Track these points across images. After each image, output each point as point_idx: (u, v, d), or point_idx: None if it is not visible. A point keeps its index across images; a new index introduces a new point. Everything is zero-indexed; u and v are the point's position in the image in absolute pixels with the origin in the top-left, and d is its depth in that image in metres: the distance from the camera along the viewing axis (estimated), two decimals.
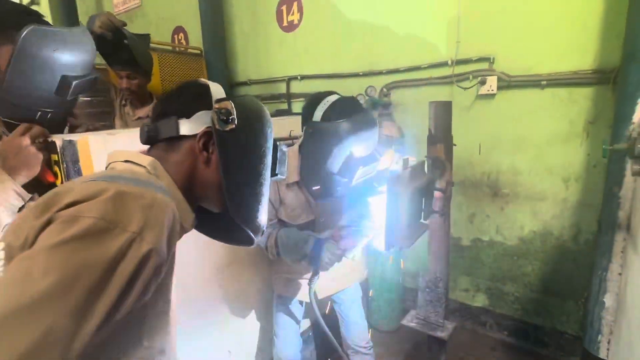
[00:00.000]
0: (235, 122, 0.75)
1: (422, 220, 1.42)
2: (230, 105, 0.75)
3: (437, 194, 1.49)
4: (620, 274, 1.92)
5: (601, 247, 1.97)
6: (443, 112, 1.63)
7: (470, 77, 2.45)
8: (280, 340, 1.83)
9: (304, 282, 1.74)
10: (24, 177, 1.06)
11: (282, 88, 3.51)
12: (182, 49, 3.86)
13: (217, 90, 0.81)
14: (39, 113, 1.16)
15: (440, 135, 1.61)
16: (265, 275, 1.94)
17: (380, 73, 2.84)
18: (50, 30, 1.10)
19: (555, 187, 2.31)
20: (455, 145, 1.66)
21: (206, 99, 0.78)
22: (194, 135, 0.76)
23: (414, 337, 2.62)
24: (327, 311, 1.95)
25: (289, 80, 3.42)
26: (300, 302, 1.85)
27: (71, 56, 1.15)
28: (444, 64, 2.55)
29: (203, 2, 3.49)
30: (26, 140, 1.06)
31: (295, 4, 3.23)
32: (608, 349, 2.00)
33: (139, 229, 0.54)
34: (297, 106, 3.39)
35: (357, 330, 1.87)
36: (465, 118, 2.53)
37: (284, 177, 0.92)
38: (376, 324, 2.78)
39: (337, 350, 1.77)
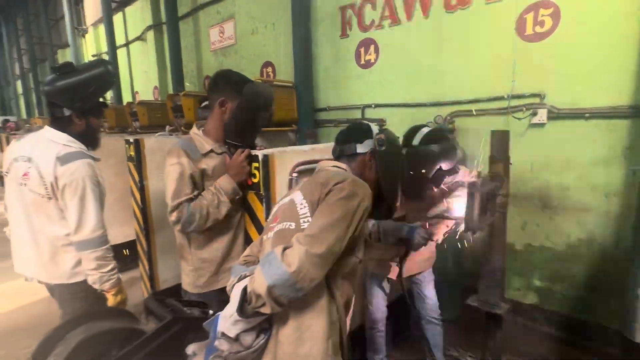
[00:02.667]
0: (386, 146, 1.40)
1: (488, 216, 1.99)
2: (383, 136, 1.41)
3: (498, 198, 2.06)
4: None
5: (637, 249, 2.40)
6: (502, 138, 2.20)
7: (524, 109, 2.99)
8: (373, 307, 2.44)
9: (391, 263, 2.34)
10: (238, 180, 1.79)
11: (357, 114, 4.21)
12: (272, 81, 4.71)
13: (374, 128, 1.47)
14: (245, 135, 1.90)
15: (500, 156, 2.17)
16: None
17: (445, 104, 3.45)
18: (257, 85, 1.84)
19: (598, 201, 2.76)
20: (511, 164, 2.21)
21: (370, 132, 1.44)
22: (364, 153, 1.42)
23: (474, 324, 3.08)
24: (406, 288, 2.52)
25: (363, 107, 4.12)
26: (388, 279, 2.45)
27: (265, 100, 1.88)
28: (500, 98, 3.11)
29: (296, 44, 4.33)
30: (243, 159, 1.79)
31: (372, 46, 3.96)
32: None
33: (363, 195, 1.19)
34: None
35: (431, 304, 2.43)
36: (519, 142, 3.05)
37: (405, 181, 1.56)
38: None
39: (415, 317, 2.34)
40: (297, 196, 1.21)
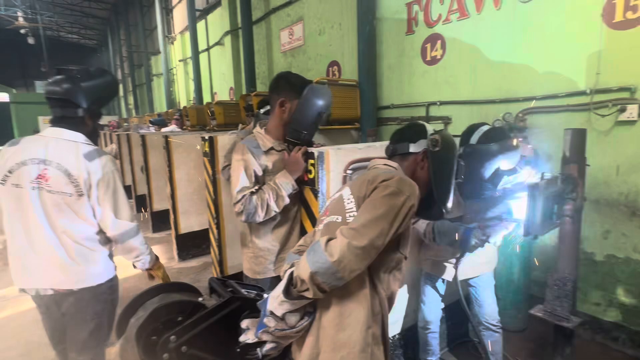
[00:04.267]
0: (439, 146, 1.40)
1: (553, 220, 1.86)
2: (437, 137, 1.40)
3: (567, 202, 1.91)
4: None
5: None
6: (577, 138, 2.03)
7: (610, 105, 2.69)
8: (426, 307, 2.41)
9: (447, 265, 2.30)
10: (296, 176, 1.90)
11: (421, 112, 4.13)
12: (337, 80, 4.81)
13: (429, 129, 1.48)
14: (303, 133, 2.01)
15: (574, 157, 2.01)
16: (413, 257, 2.55)
17: (516, 100, 3.23)
18: (316, 87, 1.94)
19: None
20: (588, 165, 2.03)
21: (424, 133, 1.45)
22: (417, 153, 1.43)
23: (539, 336, 2.89)
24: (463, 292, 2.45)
25: (428, 105, 4.03)
26: (443, 280, 2.41)
27: (323, 101, 1.97)
28: (581, 93, 2.83)
29: (361, 42, 4.37)
30: (300, 156, 1.90)
31: (439, 42, 3.85)
32: None
33: (409, 193, 1.21)
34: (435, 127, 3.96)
35: (490, 309, 2.33)
36: (603, 142, 2.76)
37: (461, 181, 1.54)
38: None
39: (471, 322, 2.27)
40: (346, 191, 1.28)
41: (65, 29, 28.28)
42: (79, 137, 1.74)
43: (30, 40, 18.86)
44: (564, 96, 2.94)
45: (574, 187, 2.02)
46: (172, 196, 4.57)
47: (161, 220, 5.77)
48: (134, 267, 2.00)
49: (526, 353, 2.84)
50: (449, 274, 2.29)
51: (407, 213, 1.15)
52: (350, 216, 1.20)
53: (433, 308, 2.42)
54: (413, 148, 1.42)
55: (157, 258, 2.03)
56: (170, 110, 10.34)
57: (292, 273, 1.12)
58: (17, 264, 1.72)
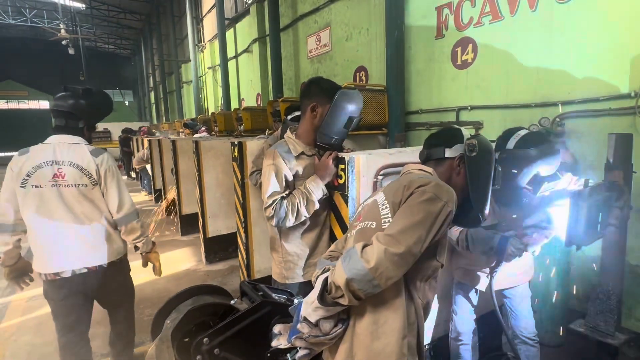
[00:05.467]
0: (476, 151, 1.35)
1: (598, 230, 1.76)
2: (474, 142, 1.36)
3: (614, 211, 1.81)
4: None
5: None
6: (623, 143, 1.92)
7: None
8: (458, 317, 2.33)
9: (480, 274, 2.21)
10: (326, 181, 1.89)
11: (450, 117, 4.04)
12: (364, 85, 4.79)
13: (465, 133, 1.43)
14: (334, 138, 2.00)
15: (619, 163, 1.90)
16: (445, 265, 2.48)
17: (553, 104, 3.10)
18: (347, 92, 1.92)
19: None
20: (635, 172, 1.92)
21: (460, 137, 1.41)
22: (453, 158, 1.39)
23: (579, 353, 2.73)
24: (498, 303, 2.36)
25: (458, 110, 3.94)
26: (476, 290, 2.32)
27: (354, 105, 1.95)
28: (625, 96, 2.69)
29: (389, 47, 4.35)
30: (330, 161, 1.89)
31: (470, 45, 3.76)
32: None
33: (447, 200, 1.17)
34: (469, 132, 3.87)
35: (526, 322, 2.23)
36: None
37: (498, 187, 1.48)
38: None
39: (506, 335, 2.17)
40: (380, 197, 1.25)
41: (102, 39, 29.76)
42: (82, 140, 2.08)
43: (71, 51, 19.93)
44: (606, 99, 2.80)
45: (620, 194, 1.91)
46: (201, 200, 4.67)
47: (190, 224, 5.90)
48: (135, 249, 2.24)
49: None
50: (482, 284, 2.21)
51: (445, 220, 1.12)
52: (385, 222, 1.17)
53: (465, 319, 2.33)
54: (449, 153, 1.38)
55: (154, 244, 2.30)
56: (199, 116, 10.62)
57: (326, 279, 1.10)
58: (46, 254, 1.98)
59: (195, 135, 7.23)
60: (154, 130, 14.01)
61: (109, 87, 33.69)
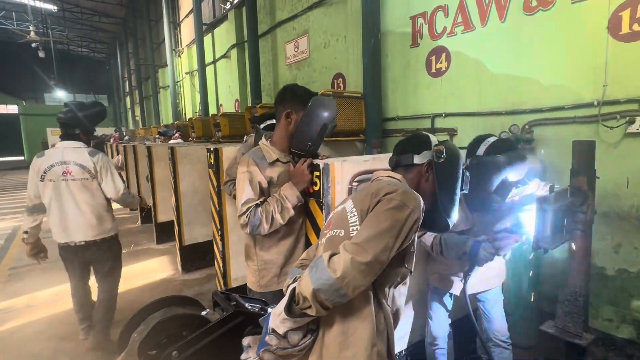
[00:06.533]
0: (444, 158, 1.37)
1: (563, 234, 1.82)
2: (442, 148, 1.38)
3: (578, 215, 1.87)
4: None
5: None
6: (586, 150, 1.99)
7: (618, 116, 2.66)
8: (433, 322, 2.36)
9: (454, 279, 2.25)
10: (301, 188, 1.88)
11: (426, 123, 4.12)
12: (342, 92, 4.83)
13: (433, 139, 1.45)
14: (308, 145, 2.00)
15: (583, 169, 1.97)
16: (420, 271, 2.51)
17: (522, 112, 3.21)
18: (321, 99, 1.93)
19: None
20: (598, 178, 1.99)
21: (428, 143, 1.43)
22: (421, 164, 1.40)
23: (549, 354, 2.80)
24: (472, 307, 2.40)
25: (433, 117, 4.02)
26: (450, 295, 2.35)
27: (328, 112, 1.96)
28: (589, 105, 2.81)
29: (366, 55, 4.40)
30: (305, 168, 1.89)
31: (444, 54, 3.86)
32: None
33: (413, 207, 1.17)
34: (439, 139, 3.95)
35: (499, 325, 2.27)
36: (612, 154, 2.72)
37: (466, 192, 1.51)
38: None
39: (480, 338, 2.21)
40: (349, 205, 1.24)
41: (75, 42, 28.93)
42: (80, 144, 2.78)
43: (41, 54, 19.25)
44: (571, 108, 2.92)
45: (584, 199, 1.98)
46: (177, 207, 4.57)
47: (165, 232, 5.76)
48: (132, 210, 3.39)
49: None
50: (456, 288, 2.24)
51: (412, 227, 1.12)
52: (353, 230, 1.16)
53: (440, 323, 2.36)
54: (417, 159, 1.39)
55: (141, 198, 3.20)
56: (176, 122, 10.43)
57: (294, 289, 1.09)
58: (59, 229, 2.72)
59: (170, 142, 7.09)
60: (125, 136, 13.60)
61: (82, 92, 32.77)
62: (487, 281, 2.25)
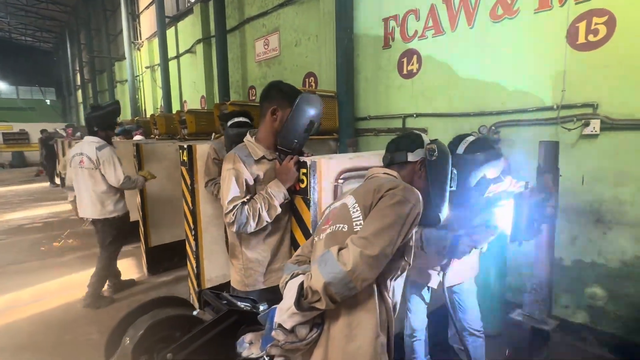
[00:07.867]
0: (436, 155, 1.44)
1: (535, 227, 1.95)
2: (434, 146, 1.44)
3: (547, 210, 2.02)
4: None
5: None
6: (551, 150, 2.15)
7: (575, 119, 2.89)
8: (412, 314, 2.44)
9: (432, 272, 2.34)
10: (288, 185, 1.88)
11: (397, 123, 4.24)
12: (314, 91, 4.83)
13: (425, 138, 1.51)
14: (294, 142, 1.99)
15: (548, 168, 2.13)
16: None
17: (490, 114, 3.40)
18: (308, 96, 1.93)
19: None
20: (561, 175, 2.16)
21: (421, 142, 1.49)
22: (415, 162, 1.46)
23: (515, 342, 2.98)
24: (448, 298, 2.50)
25: (404, 117, 4.14)
26: (428, 288, 2.45)
27: (315, 110, 1.97)
28: (549, 108, 3.03)
29: (339, 56, 4.45)
30: (292, 165, 1.88)
31: (415, 56, 3.99)
32: None
33: (415, 202, 1.22)
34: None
35: (473, 315, 2.40)
36: (569, 153, 2.95)
37: (454, 189, 1.58)
38: None
39: (455, 328, 2.31)
40: (350, 200, 1.27)
41: (18, 30, 26.69)
42: (95, 140, 3.54)
43: None
44: (534, 111, 3.13)
45: (550, 195, 2.13)
46: (143, 207, 4.37)
47: (130, 233, 5.47)
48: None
49: (505, 356, 2.93)
50: (434, 282, 2.33)
51: (414, 221, 1.17)
52: (357, 225, 1.19)
53: (419, 316, 2.44)
54: (411, 157, 1.45)
55: (145, 179, 3.81)
56: (136, 118, 9.94)
57: (302, 284, 1.09)
58: (79, 206, 3.59)
59: (134, 139, 6.75)
60: (78, 132, 12.76)
61: (26, 84, 30.36)
62: (463, 273, 2.36)
